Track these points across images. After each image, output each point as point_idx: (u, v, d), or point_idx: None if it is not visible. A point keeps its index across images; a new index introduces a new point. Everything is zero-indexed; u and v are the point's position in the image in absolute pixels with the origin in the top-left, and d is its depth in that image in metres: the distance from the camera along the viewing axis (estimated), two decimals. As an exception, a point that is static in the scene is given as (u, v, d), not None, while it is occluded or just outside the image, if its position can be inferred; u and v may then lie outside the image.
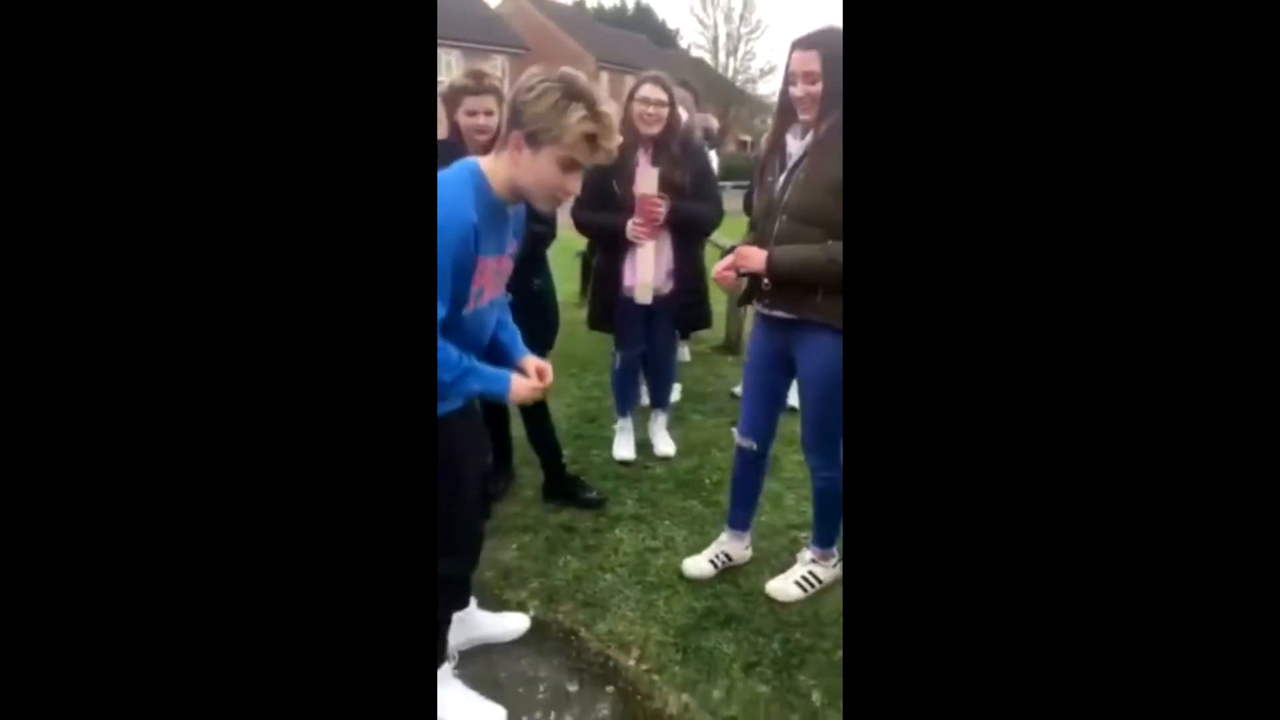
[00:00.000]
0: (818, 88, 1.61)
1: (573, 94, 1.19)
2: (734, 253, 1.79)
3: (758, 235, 1.81)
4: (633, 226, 2.40)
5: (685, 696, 1.62)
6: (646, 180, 2.37)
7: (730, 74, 32.59)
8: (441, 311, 1.23)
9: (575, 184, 1.27)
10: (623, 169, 2.37)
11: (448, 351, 1.28)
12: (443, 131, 2.21)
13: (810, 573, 1.98)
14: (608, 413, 3.03)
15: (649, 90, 2.36)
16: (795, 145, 1.74)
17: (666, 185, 2.39)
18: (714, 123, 4.20)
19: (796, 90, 1.65)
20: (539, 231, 2.15)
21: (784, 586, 1.96)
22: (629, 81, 2.59)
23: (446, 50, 25.85)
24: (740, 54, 33.45)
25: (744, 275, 1.79)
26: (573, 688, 1.65)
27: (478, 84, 2.03)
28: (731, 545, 2.08)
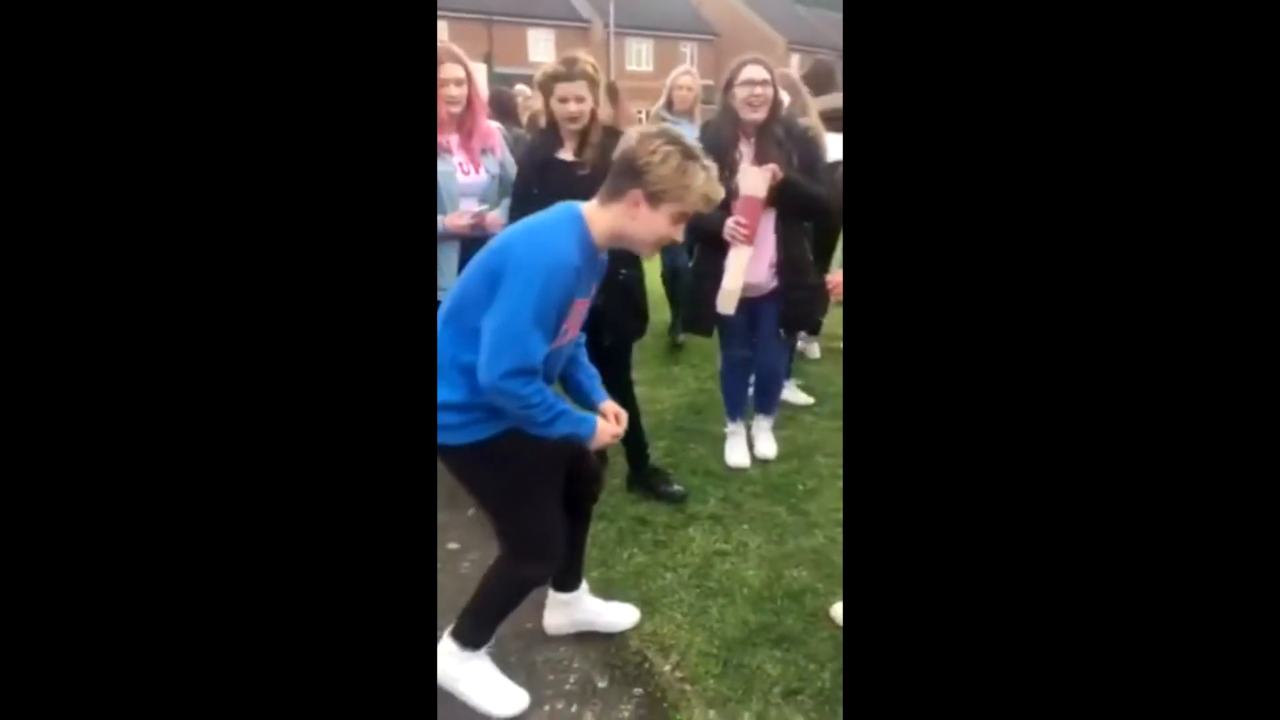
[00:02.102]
0: None
1: (690, 154, 1.34)
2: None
3: None
4: (731, 224, 2.26)
5: (712, 713, 1.54)
6: (752, 180, 2.22)
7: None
8: (544, 350, 1.35)
9: (681, 232, 1.41)
10: (724, 160, 2.26)
11: (545, 394, 1.37)
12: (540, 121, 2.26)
13: None
14: (717, 407, 2.94)
15: (752, 71, 2.22)
16: None
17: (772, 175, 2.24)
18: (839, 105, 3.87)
19: None
20: None
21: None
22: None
23: (639, 39, 26.52)
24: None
25: None
26: (602, 684, 1.63)
27: (569, 70, 2.03)
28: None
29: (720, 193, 1.39)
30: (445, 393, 1.37)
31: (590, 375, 1.65)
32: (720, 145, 2.27)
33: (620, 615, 1.80)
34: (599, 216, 1.39)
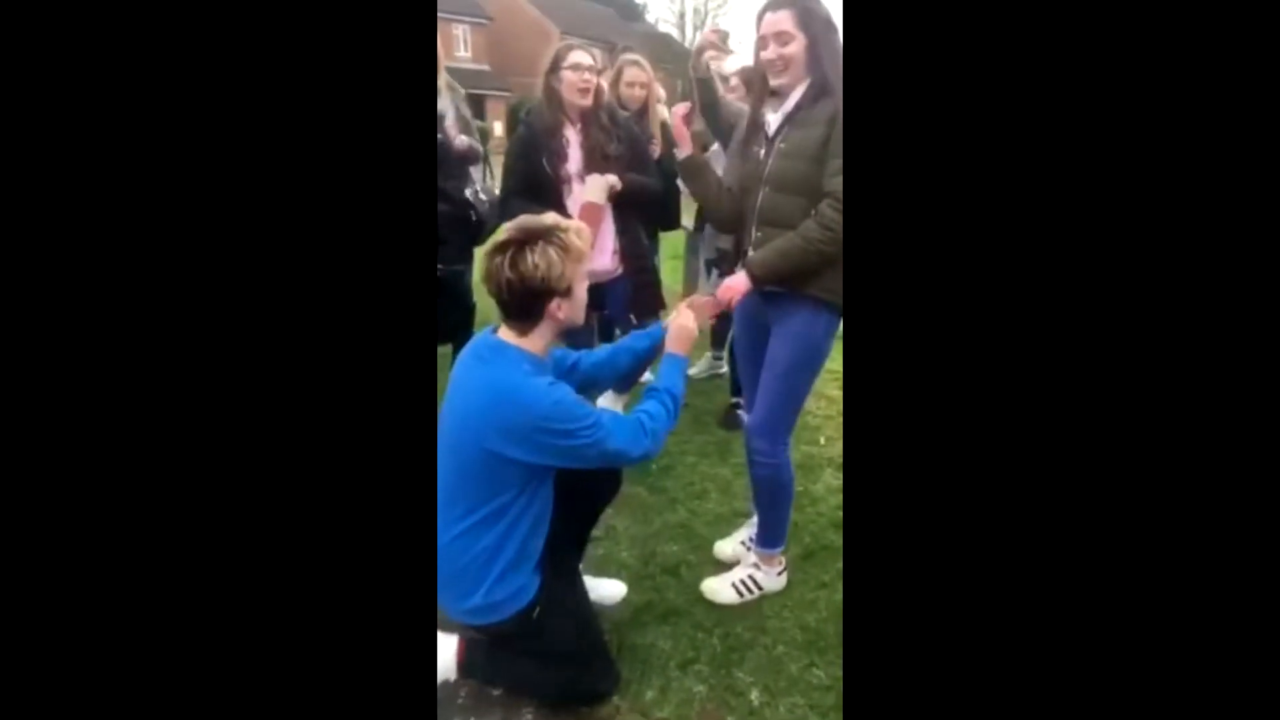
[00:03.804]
0: (790, 49, 1.56)
1: (550, 233, 1.34)
2: (712, 300, 1.69)
3: (735, 208, 1.75)
4: None
5: (615, 697, 1.52)
6: (594, 189, 2.21)
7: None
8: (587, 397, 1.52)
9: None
10: (551, 145, 2.24)
11: (653, 416, 1.44)
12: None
13: (750, 577, 1.84)
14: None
15: (581, 56, 2.20)
16: (773, 117, 1.66)
17: (600, 159, 2.24)
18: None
19: (768, 53, 1.58)
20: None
21: (720, 587, 1.84)
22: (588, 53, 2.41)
23: (407, 20, 25.15)
24: (707, 28, 33.15)
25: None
26: (495, 691, 1.55)
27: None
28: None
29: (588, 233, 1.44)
30: (492, 589, 1.39)
31: (618, 353, 1.70)
32: (546, 129, 2.25)
33: (610, 589, 1.84)
34: (530, 341, 1.41)
